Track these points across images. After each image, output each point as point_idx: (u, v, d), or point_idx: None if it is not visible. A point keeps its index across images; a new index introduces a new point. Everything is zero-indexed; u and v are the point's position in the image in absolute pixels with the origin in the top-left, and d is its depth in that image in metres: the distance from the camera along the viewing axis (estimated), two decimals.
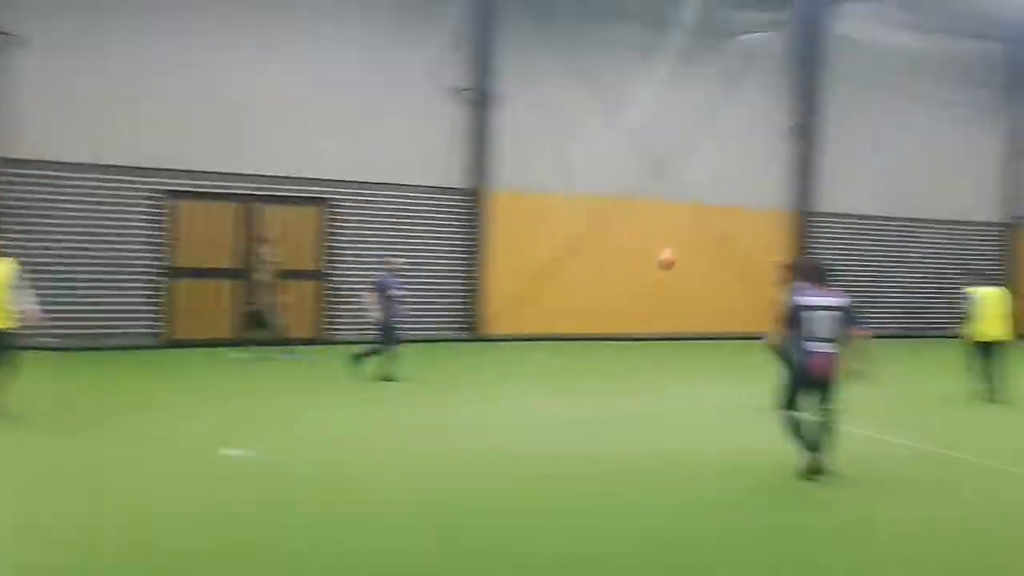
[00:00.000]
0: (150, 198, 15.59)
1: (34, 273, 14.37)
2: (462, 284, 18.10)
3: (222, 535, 5.53)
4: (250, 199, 16.34)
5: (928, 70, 22.07)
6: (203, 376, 12.88)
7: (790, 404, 7.26)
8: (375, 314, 12.04)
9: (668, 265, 10.85)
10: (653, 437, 8.94)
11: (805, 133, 20.94)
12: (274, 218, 16.45)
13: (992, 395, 11.44)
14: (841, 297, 7.31)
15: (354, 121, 16.96)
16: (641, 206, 19.34)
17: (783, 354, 7.67)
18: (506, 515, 6.13)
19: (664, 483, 7.14)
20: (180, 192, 15.78)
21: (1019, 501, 7.09)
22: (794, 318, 7.19)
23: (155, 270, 15.67)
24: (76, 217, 15.04)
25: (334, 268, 16.92)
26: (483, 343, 17.54)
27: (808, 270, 7.62)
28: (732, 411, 10.43)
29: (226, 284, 16.19)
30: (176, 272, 15.82)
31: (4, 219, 14.41)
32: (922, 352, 18.57)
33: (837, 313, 7.14)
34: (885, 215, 22.18)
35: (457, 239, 18.06)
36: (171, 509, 6.00)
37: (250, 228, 16.30)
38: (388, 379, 11.89)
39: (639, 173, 19.37)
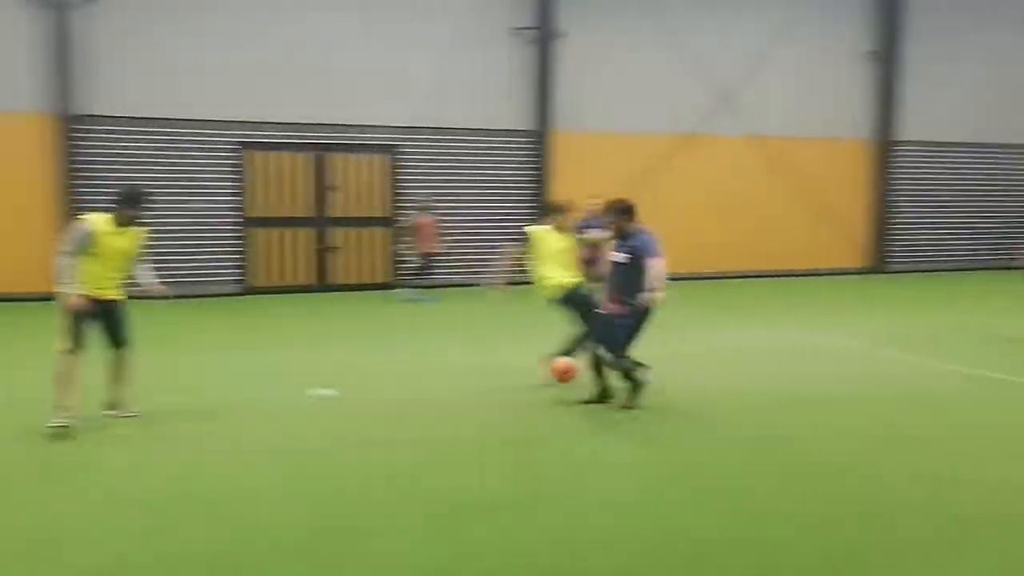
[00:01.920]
0: (229, 150, 16.26)
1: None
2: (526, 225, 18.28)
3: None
4: (322, 148, 16.86)
5: None
6: (283, 320, 13.59)
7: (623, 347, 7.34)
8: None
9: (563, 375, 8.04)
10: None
11: (885, 57, 20.10)
12: (345, 167, 16.99)
13: None
14: (645, 235, 7.43)
15: (419, 68, 17.19)
16: (708, 142, 19.07)
17: (580, 299, 7.67)
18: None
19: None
20: (256, 143, 16.41)
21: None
22: (605, 259, 7.37)
23: (236, 220, 16.42)
24: (157, 170, 15.82)
25: (402, 215, 17.36)
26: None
27: (617, 209, 7.43)
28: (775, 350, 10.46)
29: (301, 232, 16.87)
30: (254, 221, 16.55)
31: (86, 174, 15.35)
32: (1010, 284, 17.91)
33: (636, 254, 7.27)
34: (972, 141, 21.21)
35: (521, 182, 18.22)
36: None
37: (322, 177, 16.88)
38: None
39: (706, 107, 19.06)
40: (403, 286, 16.09)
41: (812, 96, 19.86)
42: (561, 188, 18.08)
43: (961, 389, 8.38)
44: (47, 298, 8.76)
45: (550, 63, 17.88)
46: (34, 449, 6.33)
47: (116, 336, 7.07)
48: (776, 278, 19.14)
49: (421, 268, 15.94)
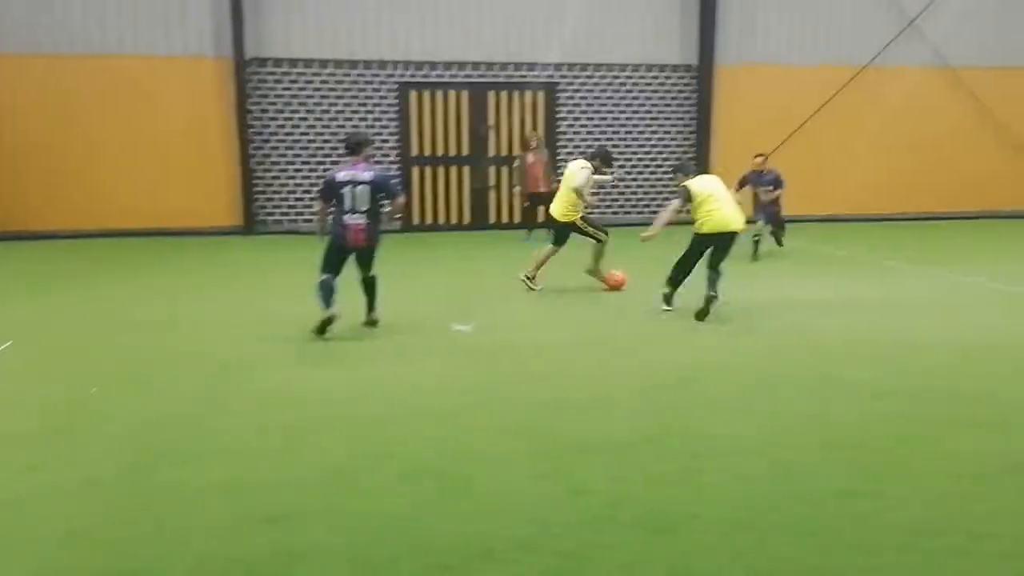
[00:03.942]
0: (388, 90, 16.53)
1: (290, 165, 16.25)
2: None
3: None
4: (480, 87, 16.85)
5: None
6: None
7: (328, 270, 7.81)
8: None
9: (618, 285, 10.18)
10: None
11: None
12: (501, 105, 16.93)
13: None
14: (373, 170, 7.90)
15: (575, 2, 16.79)
16: (885, 73, 17.70)
17: (324, 227, 8.06)
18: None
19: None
20: (416, 83, 16.59)
21: None
22: (329, 193, 7.83)
23: (397, 159, 16.76)
24: (321, 111, 16.28)
25: (561, 152, 17.16)
26: None
27: (348, 145, 8.06)
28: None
29: (459, 170, 17.03)
30: (414, 160, 16.84)
31: (258, 115, 16.03)
32: None
33: (368, 187, 7.73)
34: None
35: (684, 119, 17.60)
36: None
37: (480, 115, 16.90)
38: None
39: (883, 36, 17.64)
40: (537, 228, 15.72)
41: (1006, 19, 18.01)
42: (724, 126, 17.40)
43: None
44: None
45: None
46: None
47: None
48: (969, 219, 17.79)
49: (531, 209, 15.27)
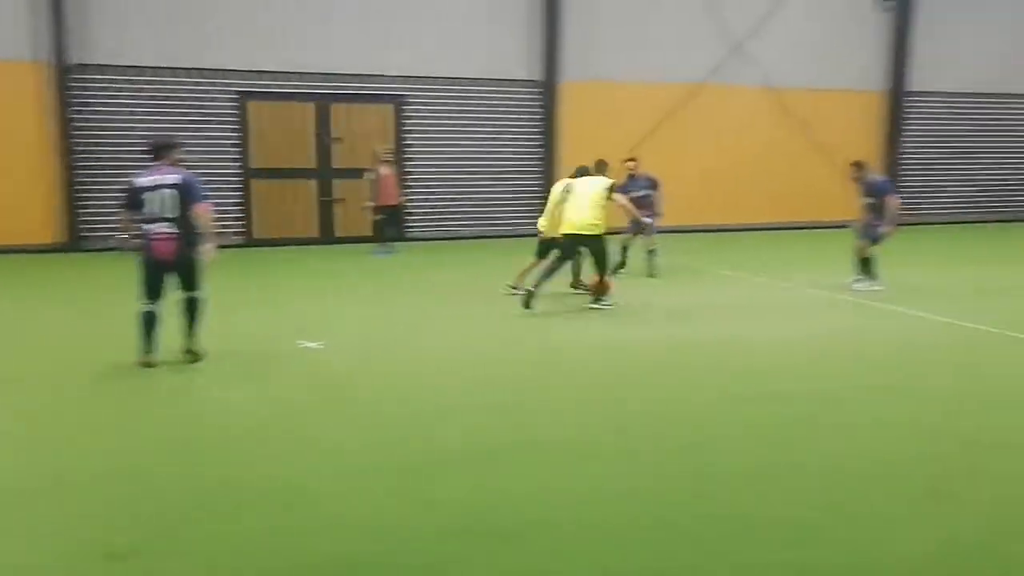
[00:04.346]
0: (227, 100, 15.88)
1: (119, 177, 15.32)
2: (536, 179, 18.01)
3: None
4: (324, 99, 16.48)
5: None
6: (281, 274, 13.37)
7: (147, 296, 6.99)
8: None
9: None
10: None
11: (897, 6, 19.60)
12: (348, 117, 16.63)
13: None
14: (180, 173, 6.99)
15: (423, 16, 16.77)
16: (718, 92, 18.68)
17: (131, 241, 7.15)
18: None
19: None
20: (256, 94, 16.02)
21: None
22: (132, 200, 6.93)
23: (235, 171, 16.10)
24: (153, 120, 15.45)
25: (408, 165, 17.00)
26: None
27: (152, 147, 7.19)
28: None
29: (303, 184, 16.56)
30: (255, 173, 16.23)
31: (81, 124, 15.02)
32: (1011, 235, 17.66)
33: (175, 191, 6.89)
34: (985, 92, 20.79)
35: (529, 132, 17.88)
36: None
37: (324, 128, 16.53)
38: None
39: (715, 57, 18.63)
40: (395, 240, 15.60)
41: (822, 46, 19.41)
42: (567, 140, 17.79)
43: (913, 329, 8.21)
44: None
45: (558, 12, 17.43)
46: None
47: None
48: (792, 230, 18.88)
49: (384, 222, 15.10)
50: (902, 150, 20.30)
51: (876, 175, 11.68)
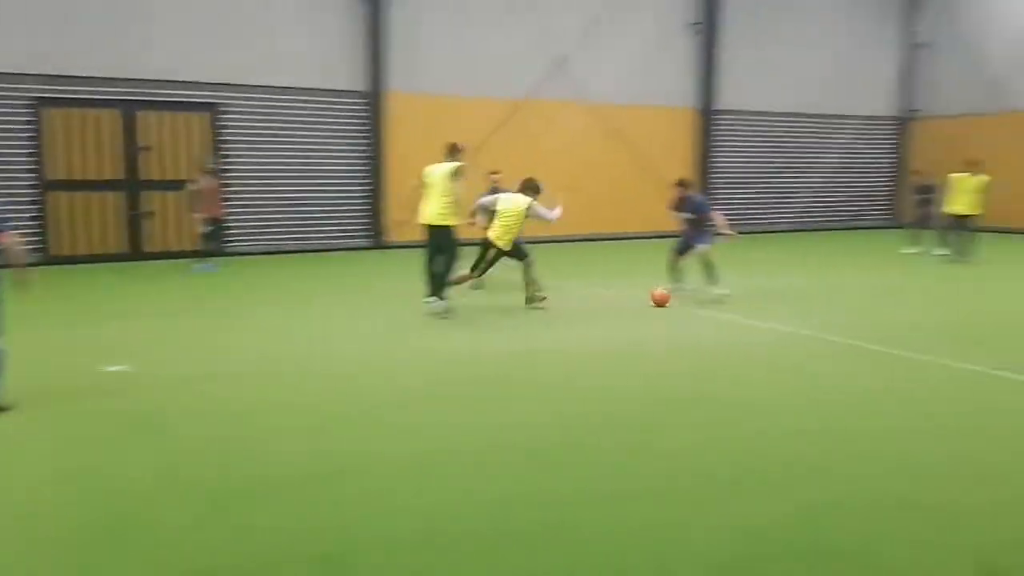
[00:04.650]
0: (22, 106, 14.56)
1: None
2: (363, 191, 17.66)
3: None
4: (132, 105, 15.44)
5: None
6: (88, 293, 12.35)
7: None
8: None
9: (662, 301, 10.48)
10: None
11: (707, 29, 20.78)
12: (159, 125, 15.67)
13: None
14: None
15: (242, 21, 16.08)
16: (544, 107, 19.06)
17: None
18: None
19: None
20: (54, 100, 14.78)
21: None
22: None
23: (30, 184, 14.77)
24: None
25: (225, 177, 16.21)
26: (387, 250, 17.28)
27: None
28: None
29: (109, 196, 15.43)
30: (52, 185, 14.96)
31: None
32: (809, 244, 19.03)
33: None
34: (788, 111, 22.37)
35: (355, 144, 17.51)
36: None
37: (132, 137, 15.49)
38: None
39: (541, 73, 19.02)
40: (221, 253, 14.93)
41: (642, 65, 20.24)
42: (395, 152, 17.58)
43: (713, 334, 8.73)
44: None
45: (384, 22, 17.22)
46: None
47: None
48: (610, 241, 19.47)
49: (209, 235, 14.48)
50: (712, 165, 21.47)
51: (697, 193, 12.30)
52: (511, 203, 10.26)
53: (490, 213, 10.67)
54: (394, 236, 17.56)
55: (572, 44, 19.29)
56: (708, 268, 11.08)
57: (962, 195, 15.33)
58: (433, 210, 9.71)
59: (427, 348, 8.27)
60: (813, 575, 3.76)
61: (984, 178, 15.43)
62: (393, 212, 17.54)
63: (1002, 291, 12.50)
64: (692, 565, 3.81)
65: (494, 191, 12.05)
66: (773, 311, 10.15)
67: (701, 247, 11.13)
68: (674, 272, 11.51)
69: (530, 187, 10.55)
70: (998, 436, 5.69)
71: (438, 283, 9.77)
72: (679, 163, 21.01)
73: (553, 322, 9.68)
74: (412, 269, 10.97)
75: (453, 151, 10.22)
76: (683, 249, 11.41)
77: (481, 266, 10.20)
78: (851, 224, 23.57)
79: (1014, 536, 4.12)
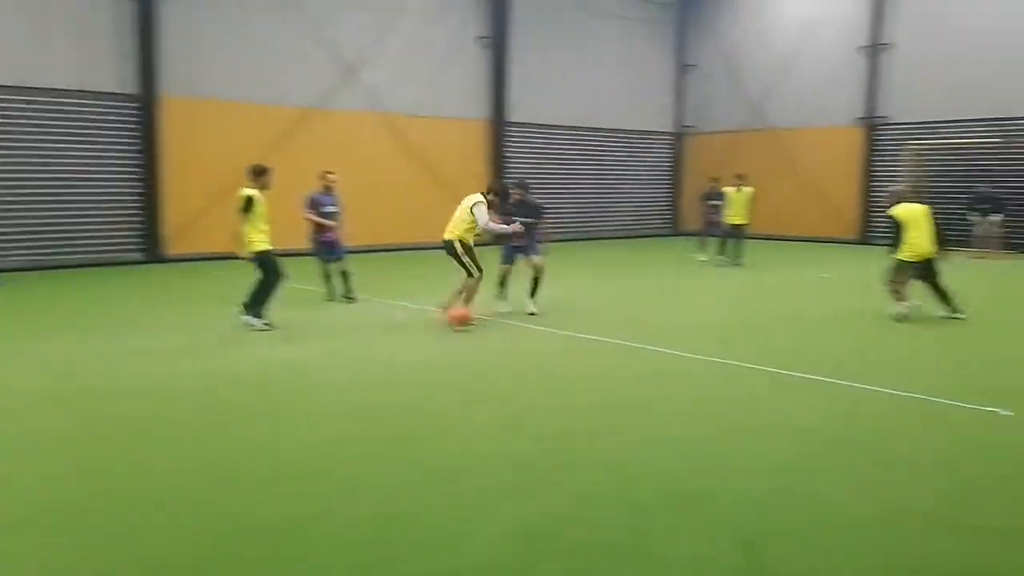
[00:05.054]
0: None
1: None
2: (134, 201, 16.41)
3: None
4: None
5: None
6: None
7: None
8: None
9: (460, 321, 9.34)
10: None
11: (496, 44, 21.17)
12: None
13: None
14: None
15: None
16: (332, 116, 18.64)
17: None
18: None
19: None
20: None
21: None
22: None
23: None
24: None
25: None
26: (162, 264, 16.18)
27: None
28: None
29: None
30: None
31: None
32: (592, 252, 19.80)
33: None
34: (575, 125, 23.21)
35: (125, 151, 16.25)
36: None
37: None
38: None
39: (329, 81, 18.59)
40: None
41: (433, 76, 20.28)
42: (171, 160, 16.53)
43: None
44: None
45: (157, 21, 16.13)
46: None
47: None
48: (403, 251, 19.30)
49: None
50: (506, 176, 21.84)
51: (534, 198, 11.25)
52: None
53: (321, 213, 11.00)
54: (172, 248, 16.52)
55: (364, 54, 18.99)
56: (538, 280, 10.53)
57: (734, 206, 16.62)
58: (240, 235, 9.23)
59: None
60: (589, 570, 3.76)
61: (750, 190, 16.76)
62: (170, 223, 16.51)
63: (766, 293, 13.52)
64: (476, 568, 3.71)
65: (327, 191, 11.63)
66: (569, 320, 10.37)
67: (537, 257, 10.48)
68: (503, 286, 10.72)
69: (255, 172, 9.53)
70: (740, 425, 6.03)
71: (249, 302, 9.32)
72: (473, 174, 21.24)
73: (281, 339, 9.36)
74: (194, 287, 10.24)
75: (255, 175, 9.43)
76: (512, 258, 10.66)
77: (471, 267, 9.74)
78: (637, 232, 24.80)
79: (770, 516, 4.34)
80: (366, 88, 19.07)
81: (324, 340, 8.98)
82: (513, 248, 10.68)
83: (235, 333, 9.13)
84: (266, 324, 9.26)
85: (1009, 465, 5.20)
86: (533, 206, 10.82)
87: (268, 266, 9.33)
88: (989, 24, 19.63)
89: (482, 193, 10.08)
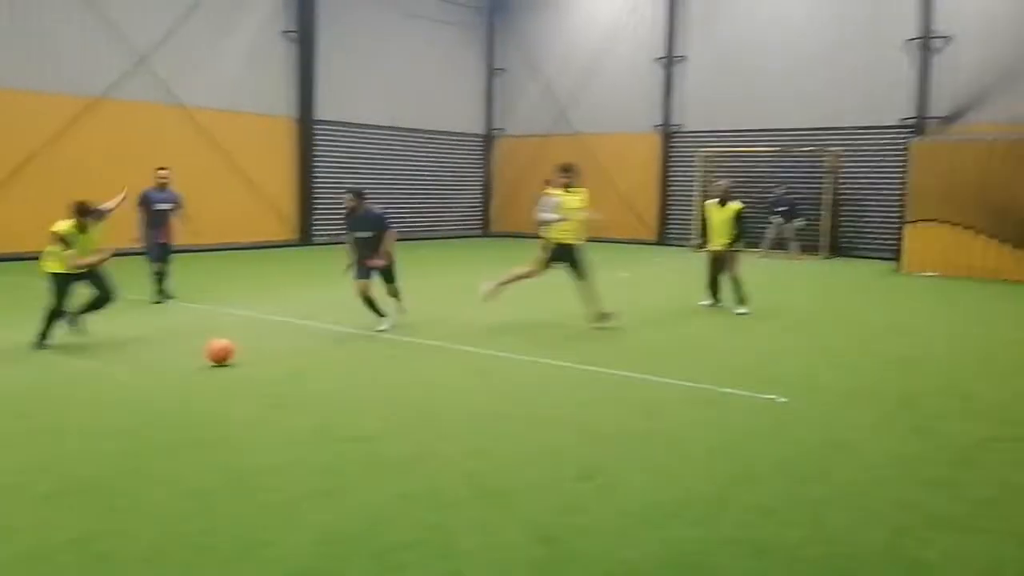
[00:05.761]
0: None
1: None
2: None
3: None
4: None
5: None
6: None
7: None
8: None
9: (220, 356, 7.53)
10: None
11: (303, 39, 20.59)
12: None
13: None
14: None
15: None
16: (127, 107, 17.44)
17: None
18: None
19: None
20: None
21: None
22: None
23: None
24: None
25: None
26: None
27: None
28: None
29: None
30: None
31: None
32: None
33: None
34: (385, 125, 22.97)
35: None
36: None
37: None
38: None
39: (118, 71, 17.36)
40: None
41: (239, 71, 19.46)
42: None
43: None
44: None
45: None
46: None
47: None
48: (208, 252, 18.34)
49: None
50: (314, 175, 21.31)
51: (374, 208, 10.09)
52: None
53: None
54: None
55: (156, 42, 17.88)
56: (394, 293, 9.89)
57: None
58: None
59: None
60: (386, 571, 3.71)
61: None
62: None
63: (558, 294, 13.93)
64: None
65: (160, 187, 11.13)
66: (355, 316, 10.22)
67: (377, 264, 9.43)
68: (369, 303, 9.49)
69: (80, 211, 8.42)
70: (541, 418, 6.19)
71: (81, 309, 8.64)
72: (279, 172, 20.65)
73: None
74: None
75: (80, 214, 8.34)
76: (367, 274, 9.45)
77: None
78: (450, 234, 24.91)
79: (561, 506, 4.47)
80: (160, 78, 17.97)
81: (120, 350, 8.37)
82: (366, 265, 9.48)
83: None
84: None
85: (785, 447, 5.63)
86: (374, 218, 9.64)
87: (57, 289, 8.39)
88: (769, 39, 21.25)
89: (356, 194, 9.73)
